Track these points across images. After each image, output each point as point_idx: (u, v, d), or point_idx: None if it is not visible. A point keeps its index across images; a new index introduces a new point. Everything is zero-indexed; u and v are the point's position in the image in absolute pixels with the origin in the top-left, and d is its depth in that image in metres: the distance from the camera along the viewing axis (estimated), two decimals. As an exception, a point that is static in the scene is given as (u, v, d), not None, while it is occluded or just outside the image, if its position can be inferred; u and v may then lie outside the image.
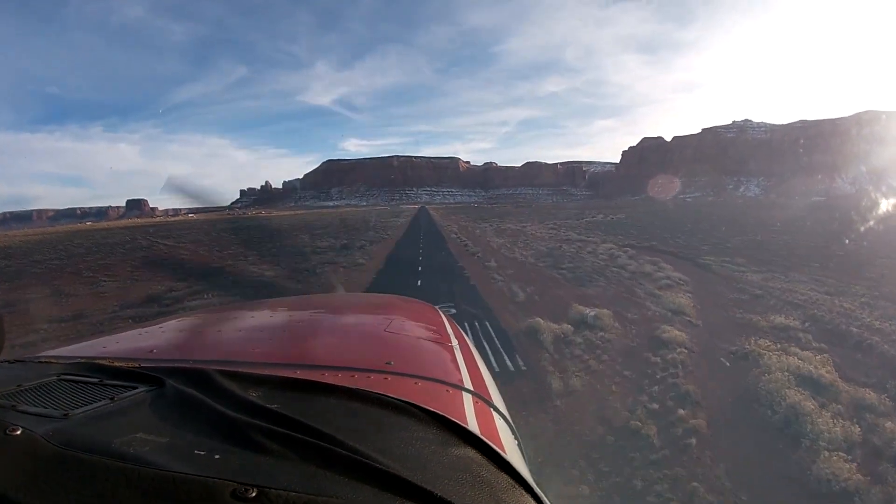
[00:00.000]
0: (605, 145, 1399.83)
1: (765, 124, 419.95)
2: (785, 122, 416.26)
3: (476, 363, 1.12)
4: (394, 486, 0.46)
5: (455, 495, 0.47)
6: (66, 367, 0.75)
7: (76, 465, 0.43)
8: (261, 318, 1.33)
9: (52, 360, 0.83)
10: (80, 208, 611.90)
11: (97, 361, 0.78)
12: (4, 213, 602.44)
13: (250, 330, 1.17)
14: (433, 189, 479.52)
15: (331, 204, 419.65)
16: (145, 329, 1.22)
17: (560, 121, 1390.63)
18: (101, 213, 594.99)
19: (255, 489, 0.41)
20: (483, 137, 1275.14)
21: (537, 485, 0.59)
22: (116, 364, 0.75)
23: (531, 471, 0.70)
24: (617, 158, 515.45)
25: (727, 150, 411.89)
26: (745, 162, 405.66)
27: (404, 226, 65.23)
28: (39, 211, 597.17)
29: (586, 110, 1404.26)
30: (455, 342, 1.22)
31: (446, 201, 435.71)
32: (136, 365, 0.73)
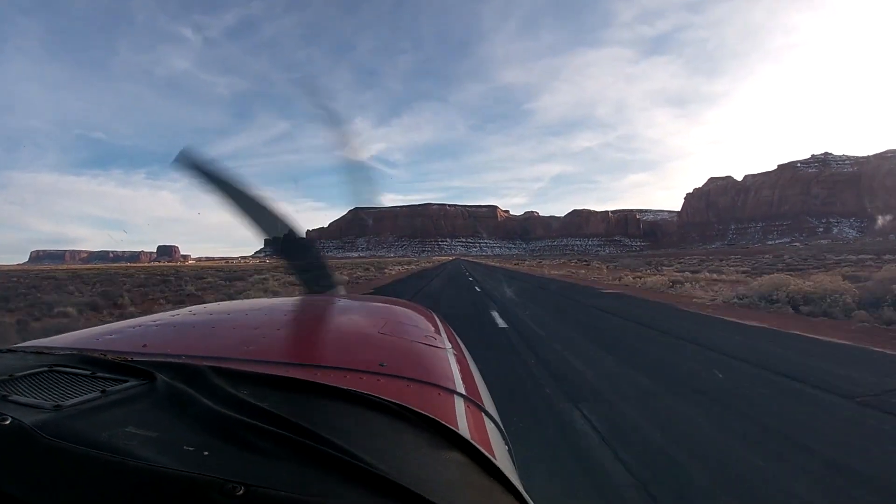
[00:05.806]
0: (637, 200, 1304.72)
1: (848, 157, 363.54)
2: (870, 152, 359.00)
3: (469, 368, 1.11)
4: (382, 489, 0.45)
5: (444, 499, 0.45)
6: (58, 357, 0.75)
7: (65, 457, 0.43)
8: (254, 315, 1.30)
9: (44, 351, 0.83)
10: (112, 252, 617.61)
11: (89, 353, 0.77)
12: (39, 252, 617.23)
13: (243, 327, 1.14)
14: (468, 240, 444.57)
15: (354, 255, 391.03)
16: (138, 322, 1.16)
17: (592, 176, 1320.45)
18: (133, 256, 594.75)
19: (242, 487, 0.40)
20: (517, 192, 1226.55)
21: (526, 492, 0.58)
22: (109, 357, 0.75)
23: (520, 477, 0.69)
24: (654, 209, 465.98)
25: (810, 188, 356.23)
26: (832, 201, 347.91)
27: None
28: (72, 252, 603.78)
29: (619, 165, 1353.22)
30: (449, 346, 1.21)
31: (483, 253, 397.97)
32: (128, 359, 0.73)
